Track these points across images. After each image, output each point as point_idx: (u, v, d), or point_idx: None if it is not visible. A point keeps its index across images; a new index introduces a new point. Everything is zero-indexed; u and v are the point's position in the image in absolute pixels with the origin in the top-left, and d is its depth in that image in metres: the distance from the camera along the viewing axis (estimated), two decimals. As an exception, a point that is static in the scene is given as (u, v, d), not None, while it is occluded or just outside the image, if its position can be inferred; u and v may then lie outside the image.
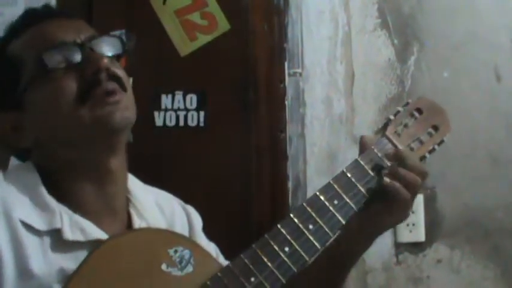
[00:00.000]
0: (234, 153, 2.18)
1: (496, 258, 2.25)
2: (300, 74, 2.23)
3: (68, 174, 1.34)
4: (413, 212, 2.22)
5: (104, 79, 1.33)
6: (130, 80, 1.55)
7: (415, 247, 2.26)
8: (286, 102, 2.20)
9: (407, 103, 1.54)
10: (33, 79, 1.33)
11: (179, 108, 2.19)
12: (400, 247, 2.25)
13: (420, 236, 2.25)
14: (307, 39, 2.24)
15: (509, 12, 2.30)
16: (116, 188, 1.38)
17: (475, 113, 2.27)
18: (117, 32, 2.04)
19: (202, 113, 2.18)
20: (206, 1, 2.18)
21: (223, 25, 2.18)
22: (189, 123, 2.19)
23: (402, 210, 1.42)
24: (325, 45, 2.28)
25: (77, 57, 1.34)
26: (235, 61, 2.19)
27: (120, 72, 1.37)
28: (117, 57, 1.41)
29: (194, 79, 2.19)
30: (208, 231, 1.57)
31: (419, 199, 2.23)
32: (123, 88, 1.35)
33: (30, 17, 1.41)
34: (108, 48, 1.38)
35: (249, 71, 2.18)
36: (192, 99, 2.19)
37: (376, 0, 2.30)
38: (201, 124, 2.18)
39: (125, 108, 1.34)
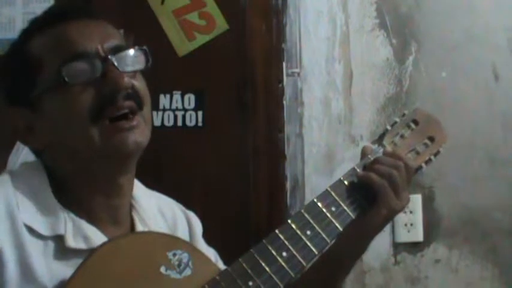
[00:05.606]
0: (232, 153, 2.18)
1: (494, 258, 2.24)
2: (298, 74, 2.23)
3: (77, 182, 1.33)
4: (411, 212, 2.23)
5: (120, 98, 1.29)
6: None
7: (413, 247, 2.26)
8: (284, 102, 2.20)
9: (404, 114, 1.56)
10: (50, 87, 1.30)
11: (177, 108, 2.19)
12: (398, 247, 2.25)
13: (418, 236, 2.25)
14: (305, 40, 2.25)
15: (507, 11, 2.30)
16: (123, 200, 1.37)
17: (473, 112, 2.27)
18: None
19: (200, 113, 2.18)
20: (204, 1, 2.18)
21: (221, 25, 2.18)
22: (187, 123, 2.19)
23: (385, 202, 1.42)
24: (323, 45, 2.28)
25: (98, 71, 1.30)
26: (233, 61, 2.19)
27: (141, 87, 1.34)
28: None
29: (192, 79, 2.19)
30: (205, 230, 1.57)
31: (417, 199, 2.23)
32: (141, 105, 1.32)
33: (56, 15, 1.36)
34: (131, 63, 1.33)
35: (247, 71, 2.18)
36: (190, 99, 2.19)
37: (374, 1, 2.30)
38: (199, 124, 2.19)
39: (139, 132, 1.31)
